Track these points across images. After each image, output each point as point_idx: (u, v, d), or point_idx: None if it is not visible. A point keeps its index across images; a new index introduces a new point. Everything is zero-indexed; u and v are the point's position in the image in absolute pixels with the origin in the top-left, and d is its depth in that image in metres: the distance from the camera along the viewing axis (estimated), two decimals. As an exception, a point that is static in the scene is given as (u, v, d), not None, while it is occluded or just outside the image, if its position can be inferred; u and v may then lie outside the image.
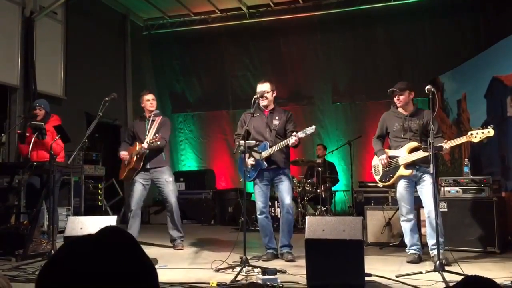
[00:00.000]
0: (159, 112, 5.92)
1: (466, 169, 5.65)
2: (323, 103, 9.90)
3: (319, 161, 8.11)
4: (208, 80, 10.93)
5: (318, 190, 7.66)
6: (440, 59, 9.12)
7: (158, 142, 5.42)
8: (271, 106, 5.16)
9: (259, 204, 5.10)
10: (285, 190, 5.02)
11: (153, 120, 5.77)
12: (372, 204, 6.45)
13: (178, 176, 10.18)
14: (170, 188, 5.74)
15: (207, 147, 10.88)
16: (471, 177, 5.54)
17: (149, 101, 5.83)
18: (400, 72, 9.38)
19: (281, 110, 5.21)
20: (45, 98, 6.67)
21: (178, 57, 11.12)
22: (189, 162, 10.93)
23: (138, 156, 5.58)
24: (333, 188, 8.52)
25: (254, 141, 4.92)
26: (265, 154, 4.93)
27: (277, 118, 5.05)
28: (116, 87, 9.04)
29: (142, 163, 5.62)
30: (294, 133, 4.73)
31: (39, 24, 7.79)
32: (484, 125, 4.41)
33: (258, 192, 5.11)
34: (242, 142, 4.55)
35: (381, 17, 9.60)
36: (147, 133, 5.68)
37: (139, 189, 5.71)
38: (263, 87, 5.10)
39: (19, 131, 5.85)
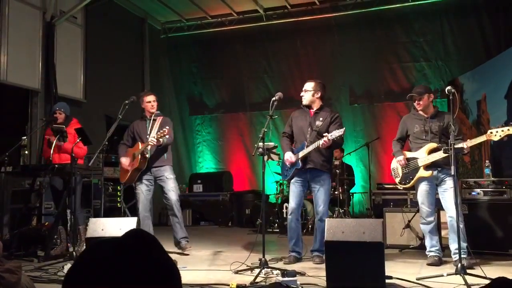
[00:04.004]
0: (160, 113, 5.72)
1: (487, 171, 5.57)
2: (341, 105, 9.84)
3: (336, 163, 8.08)
4: (225, 82, 10.96)
5: (336, 192, 7.62)
6: (459, 60, 9.03)
7: (167, 136, 5.25)
8: (316, 106, 5.08)
9: (291, 204, 5.03)
10: (320, 197, 4.92)
11: (154, 120, 5.59)
12: (391, 206, 6.40)
13: (196, 178, 10.25)
14: (170, 186, 5.49)
15: (224, 149, 10.90)
16: (493, 178, 5.46)
17: (150, 102, 5.61)
18: (418, 73, 9.32)
19: (328, 111, 5.11)
20: (65, 101, 6.77)
21: (196, 59, 11.19)
22: (206, 164, 10.97)
23: (141, 155, 5.37)
24: (351, 191, 8.47)
25: (273, 143, 4.93)
26: (301, 154, 4.88)
27: (321, 119, 4.97)
28: (134, 90, 9.08)
29: (146, 163, 5.42)
30: (325, 134, 4.64)
31: (59, 29, 7.92)
32: (501, 125, 4.35)
33: (291, 192, 5.06)
34: (260, 144, 4.54)
35: (399, 18, 9.52)
36: (148, 133, 5.49)
37: (143, 191, 5.52)
38: (306, 85, 5.13)
39: (47, 137, 5.89)
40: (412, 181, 4.83)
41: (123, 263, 0.83)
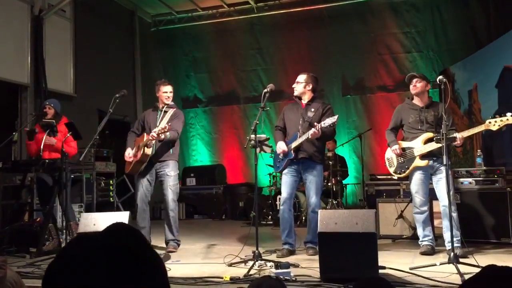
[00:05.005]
0: (173, 104, 5.54)
1: (479, 160, 5.59)
2: (334, 96, 9.84)
3: (329, 154, 8.08)
4: (218, 75, 10.91)
5: (329, 184, 7.63)
6: (450, 50, 9.05)
7: (168, 134, 5.07)
8: (308, 98, 5.09)
9: (283, 194, 5.00)
10: (312, 188, 4.90)
11: (165, 111, 5.41)
12: (384, 196, 6.41)
13: (189, 171, 10.22)
14: (169, 183, 5.30)
15: (218, 142, 10.87)
16: (484, 168, 5.48)
17: (166, 93, 5.44)
18: (410, 64, 9.33)
19: (320, 103, 5.11)
20: (55, 95, 6.72)
21: (187, 52, 11.12)
22: (200, 157, 10.95)
23: (145, 147, 5.19)
24: (344, 182, 8.49)
25: (265, 135, 4.92)
26: (293, 144, 4.88)
27: (312, 110, 4.98)
28: (125, 83, 9.05)
29: (148, 157, 5.24)
30: (316, 124, 4.64)
31: (48, 22, 7.83)
32: (498, 114, 4.35)
33: (284, 182, 5.03)
34: (253, 136, 4.52)
35: (390, 8, 9.52)
36: (157, 124, 5.26)
37: (144, 184, 5.35)
38: (299, 77, 5.13)
39: (27, 129, 5.86)
40: (408, 171, 4.85)
41: (105, 258, 0.80)
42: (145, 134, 5.30)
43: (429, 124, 4.77)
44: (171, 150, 5.37)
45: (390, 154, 5.02)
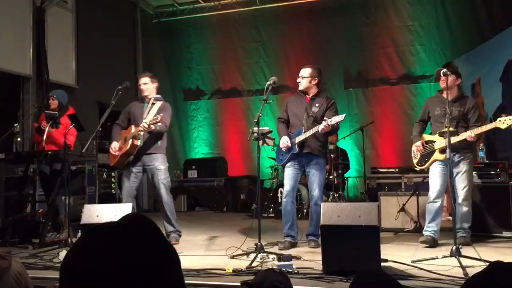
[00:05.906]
0: (161, 97, 5.44)
1: (481, 154, 5.62)
2: (335, 89, 9.82)
3: (331, 147, 8.06)
4: (220, 67, 10.88)
5: (331, 177, 7.63)
6: (454, 43, 9.02)
7: (159, 124, 4.97)
8: (313, 93, 5.06)
9: (286, 187, 5.00)
10: (314, 181, 4.91)
11: (153, 104, 5.29)
12: (386, 190, 6.42)
13: (190, 164, 10.23)
14: (160, 177, 5.16)
15: (220, 134, 10.88)
16: (487, 161, 5.49)
17: (140, 85, 5.36)
18: (413, 57, 9.30)
19: (324, 97, 5.09)
20: (57, 87, 6.71)
21: (189, 44, 11.09)
22: (202, 149, 10.95)
23: (133, 139, 5.02)
24: (345, 175, 8.48)
25: (267, 128, 4.90)
26: (298, 139, 4.88)
27: (317, 105, 4.96)
28: (127, 75, 8.99)
29: (137, 148, 5.10)
30: (325, 119, 4.63)
31: (50, 13, 7.79)
32: (500, 109, 4.38)
33: (286, 175, 5.03)
34: (255, 129, 4.51)
35: (393, 2, 9.49)
36: (145, 116, 5.17)
37: (129, 178, 5.20)
38: (303, 71, 5.08)
39: (36, 124, 5.83)
40: (427, 163, 4.93)
41: (120, 250, 0.80)
42: (132, 126, 5.18)
43: (453, 118, 4.78)
44: (159, 142, 5.26)
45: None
